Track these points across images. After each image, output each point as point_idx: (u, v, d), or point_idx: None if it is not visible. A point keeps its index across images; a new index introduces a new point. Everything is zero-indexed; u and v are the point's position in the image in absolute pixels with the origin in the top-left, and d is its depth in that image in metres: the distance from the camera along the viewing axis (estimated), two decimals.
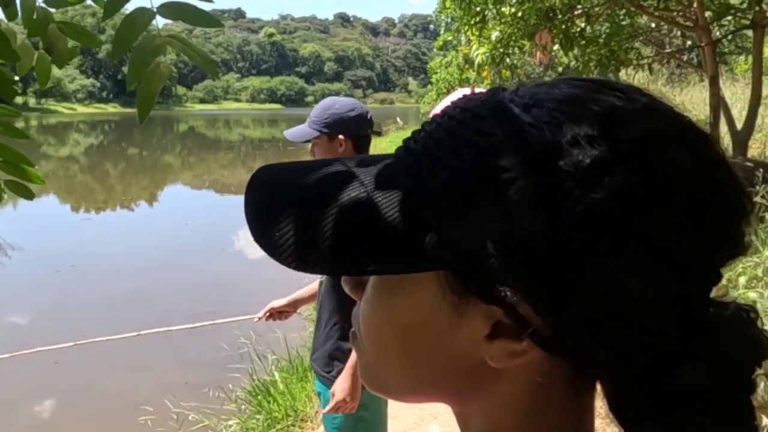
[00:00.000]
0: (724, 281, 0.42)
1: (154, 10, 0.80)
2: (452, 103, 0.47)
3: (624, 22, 7.83)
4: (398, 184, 0.45)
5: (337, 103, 2.32)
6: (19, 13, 1.12)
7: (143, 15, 0.81)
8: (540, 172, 0.39)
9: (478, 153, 0.41)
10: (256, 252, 11.55)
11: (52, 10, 1.13)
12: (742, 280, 3.59)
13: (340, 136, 2.22)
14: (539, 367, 0.43)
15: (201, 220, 14.12)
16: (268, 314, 2.59)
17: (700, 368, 0.41)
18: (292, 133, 2.33)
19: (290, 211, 0.46)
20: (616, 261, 0.38)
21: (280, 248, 0.45)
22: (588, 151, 0.39)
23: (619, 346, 0.41)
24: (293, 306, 2.61)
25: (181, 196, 19.67)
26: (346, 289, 0.53)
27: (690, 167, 0.40)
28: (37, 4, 1.09)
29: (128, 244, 11.60)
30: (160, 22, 0.89)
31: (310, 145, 2.32)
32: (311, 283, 2.60)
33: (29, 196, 1.21)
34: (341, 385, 2.11)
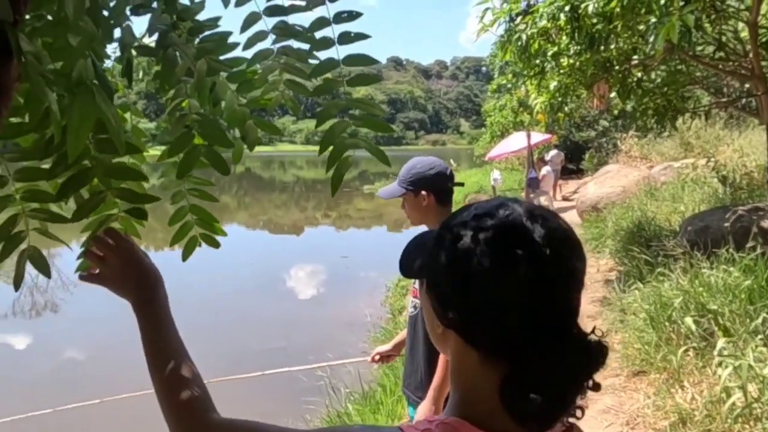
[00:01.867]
0: None
1: (349, 120, 1.16)
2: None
3: (681, 69, 8.02)
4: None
5: (419, 163, 2.67)
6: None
7: (341, 125, 1.18)
8: (453, 266, 0.82)
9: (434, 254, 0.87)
10: (309, 292, 11.98)
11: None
12: None
13: (423, 192, 2.58)
14: (458, 345, 0.84)
15: (256, 259, 14.61)
16: (378, 358, 2.98)
17: (557, 364, 0.77)
18: (384, 191, 2.72)
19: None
20: (484, 298, 0.79)
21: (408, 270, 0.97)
22: (481, 249, 0.80)
23: (492, 336, 0.80)
24: (396, 349, 2.99)
25: (236, 235, 20.29)
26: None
27: (524, 249, 0.79)
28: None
29: (192, 281, 12.15)
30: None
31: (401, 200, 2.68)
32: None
33: (216, 245, 1.59)
34: (423, 408, 2.41)
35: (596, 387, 0.82)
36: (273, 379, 6.27)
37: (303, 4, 1.20)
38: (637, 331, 5.10)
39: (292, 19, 1.22)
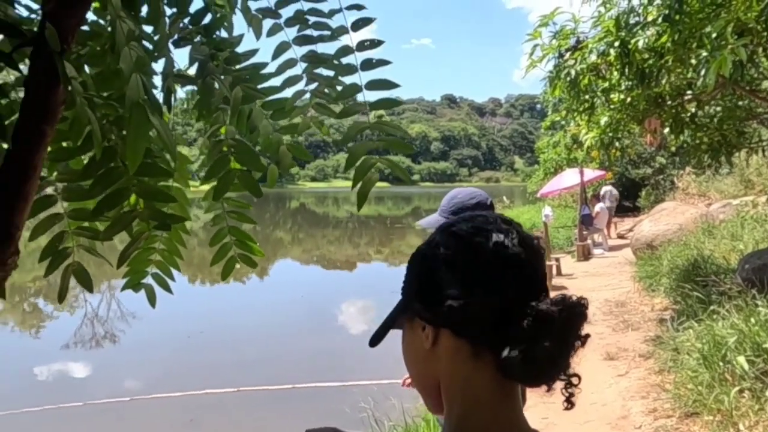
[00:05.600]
0: None
1: (374, 140, 1.22)
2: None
3: (739, 103, 7.85)
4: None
5: (460, 193, 2.72)
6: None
7: (364, 146, 1.24)
8: (427, 266, 0.92)
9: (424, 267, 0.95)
10: (359, 326, 12.01)
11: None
12: None
13: None
14: (449, 344, 0.89)
15: (309, 293, 14.77)
16: (409, 382, 2.97)
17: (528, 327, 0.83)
18: (425, 221, 2.76)
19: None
20: (453, 291, 0.87)
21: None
22: (450, 255, 0.90)
23: (475, 325, 0.86)
24: None
25: (290, 270, 20.51)
26: None
27: (493, 248, 0.88)
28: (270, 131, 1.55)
29: (245, 313, 12.36)
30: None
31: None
32: None
33: (253, 265, 1.65)
34: None
35: (585, 339, 0.87)
36: (317, 412, 6.32)
37: (329, 33, 1.27)
38: (690, 371, 4.94)
39: (320, 48, 1.30)
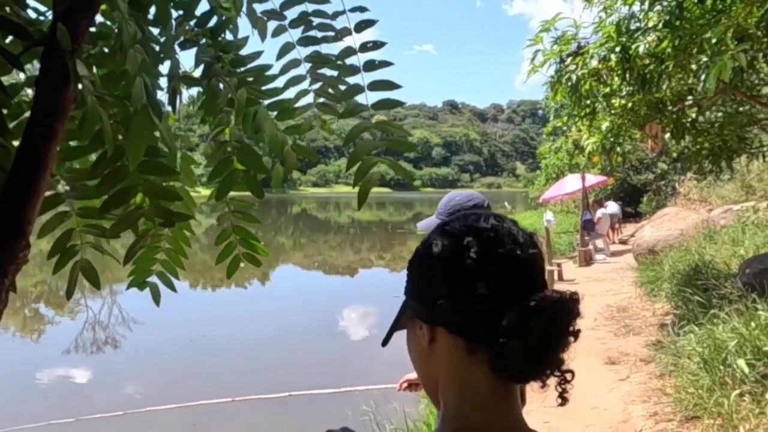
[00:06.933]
0: None
1: (376, 141, 1.25)
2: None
3: (740, 109, 7.87)
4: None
5: (457, 195, 2.76)
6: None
7: (366, 145, 1.26)
8: (421, 265, 0.96)
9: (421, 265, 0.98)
10: (360, 332, 12.02)
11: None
12: None
13: None
14: (445, 342, 0.90)
15: (310, 299, 14.78)
16: (405, 386, 2.98)
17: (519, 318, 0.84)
18: (423, 224, 2.79)
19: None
20: (446, 289, 0.89)
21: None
22: (465, 246, 0.90)
23: (467, 323, 0.87)
24: None
25: (292, 275, 20.51)
26: None
27: (483, 247, 0.89)
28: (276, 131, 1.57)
29: (248, 319, 12.37)
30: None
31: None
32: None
33: (258, 264, 1.68)
34: None
35: (577, 334, 0.88)
36: (321, 414, 6.33)
37: (332, 34, 1.30)
38: (690, 375, 4.95)
39: (324, 48, 1.33)
